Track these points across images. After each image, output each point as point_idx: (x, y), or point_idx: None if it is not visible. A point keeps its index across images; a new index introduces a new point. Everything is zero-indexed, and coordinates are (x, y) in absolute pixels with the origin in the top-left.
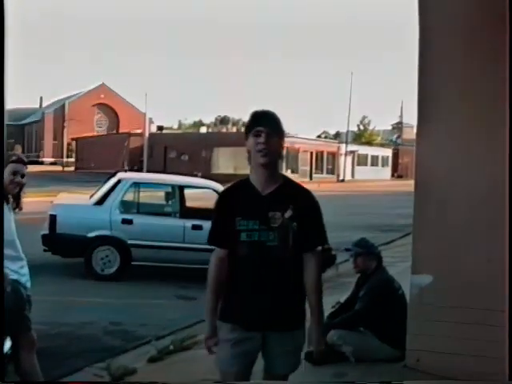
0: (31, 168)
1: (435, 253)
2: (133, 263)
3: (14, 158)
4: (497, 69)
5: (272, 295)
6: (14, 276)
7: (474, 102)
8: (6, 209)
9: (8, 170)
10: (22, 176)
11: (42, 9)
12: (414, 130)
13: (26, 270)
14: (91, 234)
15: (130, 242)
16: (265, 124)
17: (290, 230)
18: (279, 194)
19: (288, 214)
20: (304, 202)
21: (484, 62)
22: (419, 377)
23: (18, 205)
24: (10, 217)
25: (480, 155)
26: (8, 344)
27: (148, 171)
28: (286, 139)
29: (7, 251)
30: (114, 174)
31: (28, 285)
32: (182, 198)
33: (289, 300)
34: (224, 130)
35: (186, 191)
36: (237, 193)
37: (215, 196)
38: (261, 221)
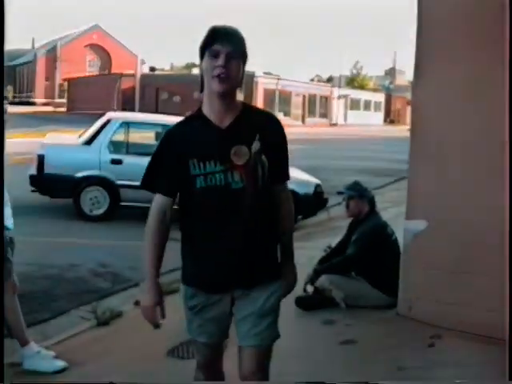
0: (23, 109)
1: (431, 198)
2: (122, 204)
3: None
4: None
5: (242, 249)
6: None
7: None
8: None
9: None
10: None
11: None
12: (406, 77)
13: (8, 211)
14: (80, 174)
15: (119, 182)
16: (225, 42)
17: (260, 166)
18: (241, 124)
19: (255, 146)
20: (271, 130)
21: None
22: (411, 325)
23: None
24: None
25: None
26: None
27: (140, 112)
28: (279, 81)
29: None
30: (103, 114)
31: (10, 226)
32: None
33: (262, 252)
34: None
35: None
36: (187, 128)
37: None
38: (221, 160)
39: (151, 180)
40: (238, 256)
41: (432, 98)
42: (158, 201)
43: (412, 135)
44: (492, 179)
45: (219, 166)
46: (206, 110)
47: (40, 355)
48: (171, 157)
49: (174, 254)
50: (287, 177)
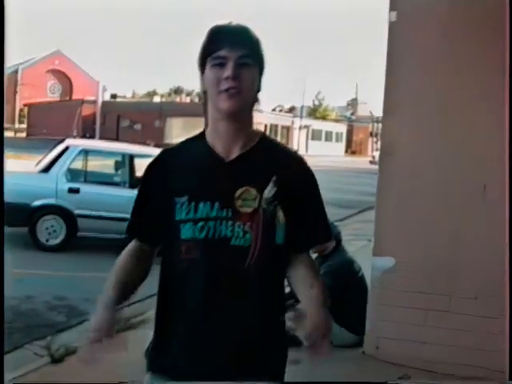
0: None
1: (399, 235)
2: (79, 234)
3: None
4: (469, 55)
5: (238, 331)
6: None
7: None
8: None
9: None
10: None
11: None
12: (368, 108)
13: None
14: (36, 203)
15: (76, 211)
16: (233, 45)
17: (273, 220)
18: (254, 158)
19: (269, 191)
20: (295, 173)
21: (457, 48)
22: (378, 364)
23: None
24: None
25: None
26: None
27: (100, 139)
28: None
29: None
30: (61, 141)
31: None
32: (132, 168)
33: (264, 337)
34: (178, 100)
35: (137, 160)
36: (181, 156)
37: None
38: (221, 203)
39: (132, 226)
40: (231, 341)
41: (402, 128)
42: (131, 244)
43: (380, 167)
44: (465, 214)
45: (216, 210)
46: (209, 136)
47: None
48: (153, 190)
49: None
50: (319, 241)
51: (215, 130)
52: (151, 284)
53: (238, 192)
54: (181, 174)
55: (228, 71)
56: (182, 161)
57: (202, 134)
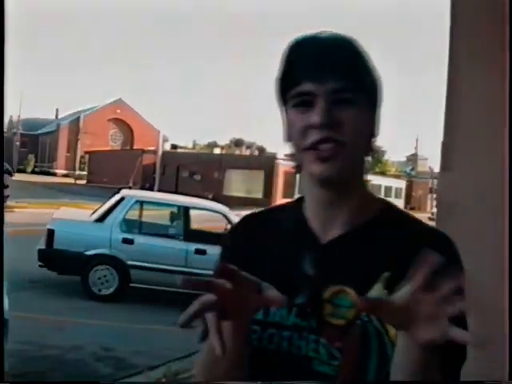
0: (43, 179)
1: None
2: (131, 285)
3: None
4: None
5: None
6: None
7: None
8: None
9: None
10: (6, 187)
11: (59, 17)
12: (428, 163)
13: (4, 291)
14: (90, 252)
15: (129, 262)
16: (321, 74)
17: (379, 339)
18: (363, 241)
19: (376, 293)
20: (435, 266)
21: None
22: None
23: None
24: None
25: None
26: None
27: (159, 189)
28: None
29: None
30: (118, 191)
31: (6, 307)
32: (187, 220)
33: None
34: (237, 152)
35: (193, 212)
36: (265, 228)
37: (222, 218)
38: (307, 306)
39: None
40: None
41: (459, 186)
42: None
43: (438, 225)
44: None
45: (295, 316)
46: (307, 203)
47: None
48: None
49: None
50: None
51: (311, 197)
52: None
53: (329, 292)
54: (257, 252)
55: (316, 115)
56: (262, 234)
57: (298, 201)
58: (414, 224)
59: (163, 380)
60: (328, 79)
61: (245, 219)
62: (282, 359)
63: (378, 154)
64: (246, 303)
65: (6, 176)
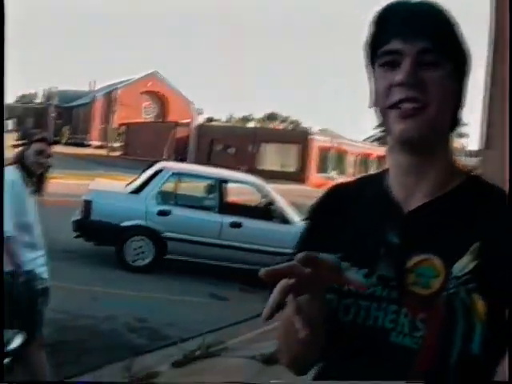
0: (77, 150)
1: None
2: (166, 257)
3: (37, 136)
4: None
5: None
6: (29, 266)
7: None
8: (27, 192)
9: (32, 150)
10: (48, 156)
11: None
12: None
13: (43, 260)
14: (125, 223)
15: (165, 234)
16: (409, 33)
17: (466, 311)
18: (447, 210)
19: (466, 264)
20: None
21: None
22: None
23: (40, 187)
24: (31, 200)
25: None
26: (19, 339)
27: (193, 162)
28: (334, 140)
29: (24, 237)
30: (154, 163)
31: (44, 276)
32: (223, 193)
33: None
34: (272, 126)
35: (228, 185)
36: (348, 201)
37: (256, 192)
38: (383, 274)
39: None
40: None
41: (503, 163)
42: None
43: None
44: None
45: (374, 284)
46: (390, 172)
47: None
48: (314, 234)
49: (212, 312)
50: None
51: (394, 163)
52: (234, 312)
53: (413, 261)
54: (341, 222)
55: (401, 73)
56: (346, 204)
57: (385, 171)
58: (501, 193)
59: (196, 352)
60: (417, 39)
61: (330, 190)
62: (357, 330)
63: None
64: (325, 284)
65: (46, 145)
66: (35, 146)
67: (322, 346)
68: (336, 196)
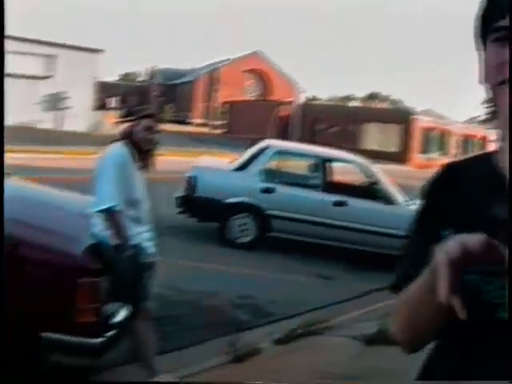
0: (180, 128)
1: None
2: (269, 234)
3: (146, 112)
4: None
5: None
6: (135, 240)
7: None
8: (135, 167)
9: (141, 126)
10: (155, 133)
11: None
12: None
13: (150, 235)
14: (230, 200)
15: (268, 211)
16: None
17: None
18: None
19: None
20: None
21: None
22: None
23: (147, 163)
24: (138, 176)
25: None
26: (124, 312)
27: (295, 141)
28: (437, 120)
29: (132, 212)
30: (258, 141)
31: (150, 250)
32: (327, 171)
33: None
34: (373, 105)
35: (331, 164)
36: (461, 179)
37: (359, 172)
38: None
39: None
40: None
41: None
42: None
43: None
44: None
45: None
46: (503, 150)
47: None
48: (429, 212)
49: (316, 291)
50: None
51: (506, 142)
52: (336, 292)
53: None
54: (454, 200)
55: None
56: (460, 182)
57: (497, 150)
58: None
59: (299, 330)
60: None
61: (442, 169)
62: (466, 305)
63: None
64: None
65: (154, 121)
66: (144, 123)
67: (443, 322)
68: (449, 175)
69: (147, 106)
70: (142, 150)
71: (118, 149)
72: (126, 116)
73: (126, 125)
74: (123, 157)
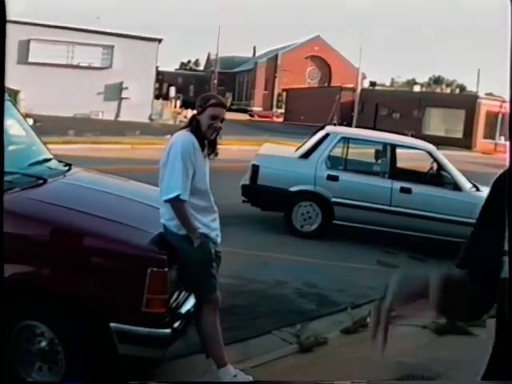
0: (240, 116)
1: None
2: (334, 222)
3: (214, 101)
4: None
5: None
6: (203, 229)
7: None
8: (202, 155)
9: (207, 114)
10: (221, 121)
11: None
12: None
13: (217, 224)
14: (294, 188)
15: (333, 199)
16: None
17: None
18: None
19: None
20: None
21: None
22: None
23: (213, 151)
24: (205, 164)
25: None
26: (191, 302)
27: (357, 127)
28: (503, 104)
29: (199, 201)
30: (322, 128)
31: (218, 240)
32: (393, 158)
33: None
34: (437, 90)
35: (397, 151)
36: None
37: (428, 158)
38: None
39: None
40: None
41: None
42: None
43: None
44: None
45: None
46: None
47: (237, 380)
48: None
49: (382, 279)
50: None
51: None
52: None
53: None
54: None
55: None
56: None
57: None
58: None
59: (368, 319)
60: None
61: None
62: None
63: None
64: None
65: (221, 110)
66: (212, 111)
67: None
68: None
69: (214, 94)
70: (207, 138)
71: (186, 138)
72: (195, 105)
73: (192, 113)
74: (191, 146)
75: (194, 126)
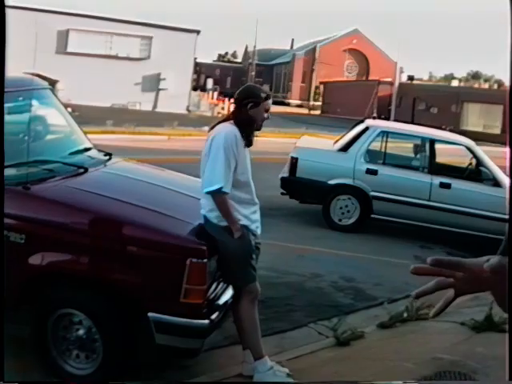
0: (277, 108)
1: None
2: (373, 216)
3: (267, 94)
4: None
5: None
6: (244, 221)
7: None
8: (244, 148)
9: (262, 108)
10: (267, 110)
11: None
12: None
13: (257, 216)
14: (332, 182)
15: (372, 193)
16: None
17: None
18: None
19: None
20: None
21: None
22: None
23: (251, 141)
24: (247, 157)
25: None
26: (230, 292)
27: (395, 121)
28: None
29: (240, 194)
30: (361, 121)
31: (258, 232)
32: (433, 153)
33: None
34: (476, 85)
35: (436, 146)
36: None
37: (467, 153)
38: None
39: None
40: None
41: None
42: None
43: None
44: None
45: None
46: None
47: (273, 372)
48: None
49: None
50: None
51: None
52: None
53: None
54: None
55: None
56: None
57: None
58: None
59: (405, 314)
60: None
61: None
62: None
63: None
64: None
65: (269, 104)
66: (266, 105)
67: None
68: None
69: (262, 88)
70: (251, 130)
71: (229, 130)
72: (234, 97)
73: (234, 105)
74: (235, 138)
75: (242, 118)
